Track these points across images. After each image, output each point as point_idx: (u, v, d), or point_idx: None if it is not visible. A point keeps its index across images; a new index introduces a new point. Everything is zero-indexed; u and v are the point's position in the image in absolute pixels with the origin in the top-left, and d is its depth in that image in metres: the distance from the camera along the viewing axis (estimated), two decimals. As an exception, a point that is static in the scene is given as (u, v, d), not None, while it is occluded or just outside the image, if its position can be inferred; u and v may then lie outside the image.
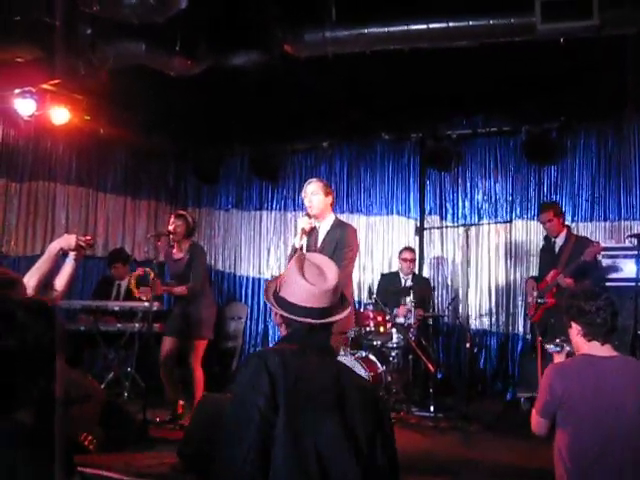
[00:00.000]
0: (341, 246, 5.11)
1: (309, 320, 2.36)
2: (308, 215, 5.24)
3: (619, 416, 3.04)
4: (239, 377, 2.28)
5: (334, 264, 2.53)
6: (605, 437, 3.04)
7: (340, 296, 2.45)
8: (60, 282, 4.36)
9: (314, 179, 5.46)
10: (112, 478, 4.65)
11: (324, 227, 5.28)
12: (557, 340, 3.55)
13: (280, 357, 2.21)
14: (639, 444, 3.04)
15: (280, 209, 9.97)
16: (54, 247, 4.28)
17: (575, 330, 3.26)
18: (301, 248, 5.25)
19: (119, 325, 7.60)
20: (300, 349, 2.32)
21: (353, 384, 2.31)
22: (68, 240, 4.30)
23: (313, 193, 5.22)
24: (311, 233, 5.24)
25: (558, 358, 3.51)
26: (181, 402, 6.60)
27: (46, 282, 4.27)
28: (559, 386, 3.15)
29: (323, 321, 2.38)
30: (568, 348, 3.45)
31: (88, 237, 4.41)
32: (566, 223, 7.03)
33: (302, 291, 2.38)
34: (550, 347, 3.55)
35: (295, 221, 9.74)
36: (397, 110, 8.40)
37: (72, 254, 4.36)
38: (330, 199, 5.31)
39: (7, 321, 1.68)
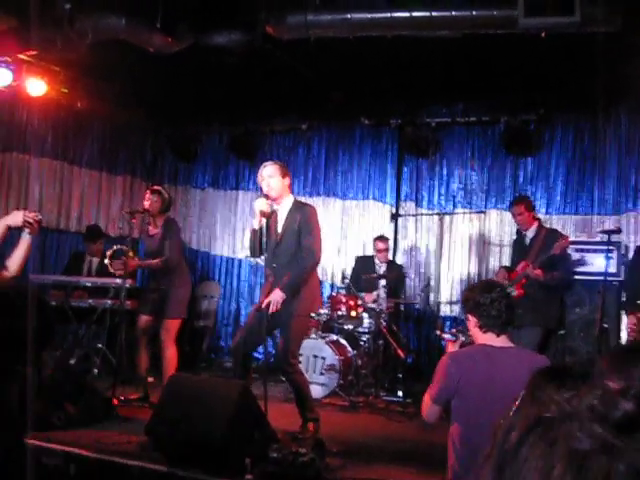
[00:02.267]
0: (306, 231, 5.17)
1: None
2: (266, 196, 5.19)
3: (510, 407, 3.10)
4: None
5: None
6: (491, 425, 3.08)
7: None
8: (15, 258, 4.37)
9: (269, 162, 5.43)
10: (80, 455, 4.66)
11: (283, 209, 5.28)
12: (453, 330, 3.65)
13: None
14: None
15: (257, 189, 9.88)
16: (1, 224, 4.29)
17: (472, 322, 3.36)
18: (260, 230, 5.19)
19: (90, 301, 7.56)
20: None
21: None
22: (15, 217, 4.31)
23: (270, 176, 5.19)
24: (270, 215, 5.22)
25: (451, 347, 3.61)
26: (151, 380, 6.61)
27: None
28: (455, 373, 3.23)
29: None
30: (463, 338, 3.56)
31: (36, 214, 4.38)
32: (537, 216, 7.10)
33: None
34: (446, 336, 3.65)
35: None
36: (377, 96, 8.41)
37: (26, 230, 4.36)
38: (287, 180, 5.31)
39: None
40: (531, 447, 0.78)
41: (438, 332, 7.86)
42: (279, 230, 5.24)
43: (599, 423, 0.74)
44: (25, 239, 4.35)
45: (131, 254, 6.35)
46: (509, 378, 3.13)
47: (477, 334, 3.35)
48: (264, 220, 5.15)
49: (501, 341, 3.31)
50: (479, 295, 3.32)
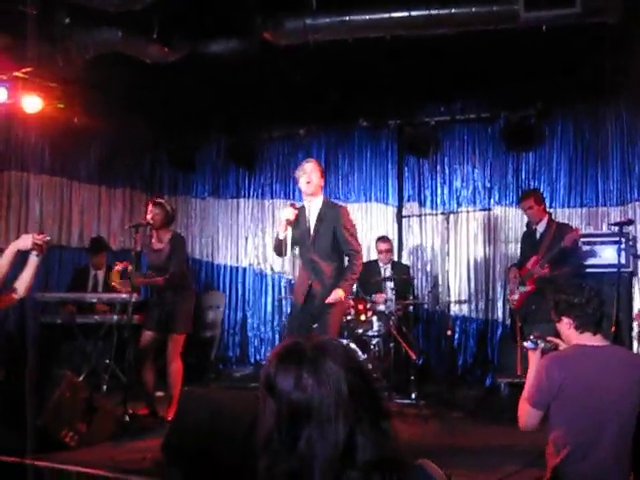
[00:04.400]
0: (348, 233, 5.52)
1: None
2: (292, 205, 5.50)
3: (614, 407, 3.09)
4: None
5: None
6: (600, 428, 3.07)
7: None
8: (22, 280, 4.39)
9: (311, 159, 5.82)
10: (95, 475, 4.60)
11: (315, 207, 5.56)
12: (532, 337, 3.58)
13: None
14: (623, 439, 3.09)
15: (257, 197, 9.89)
16: (11, 249, 4.34)
17: (566, 324, 3.29)
18: (285, 239, 5.38)
19: (97, 317, 7.50)
20: None
21: None
22: (25, 241, 4.34)
23: (312, 171, 5.51)
24: (300, 213, 5.53)
25: (533, 355, 3.51)
26: (160, 394, 6.54)
27: (5, 282, 4.35)
28: (557, 376, 3.16)
29: None
30: (542, 345, 3.48)
31: (44, 235, 4.39)
32: (547, 210, 7.05)
33: None
34: (526, 344, 3.57)
35: (273, 209, 9.71)
36: (375, 97, 8.36)
37: (34, 252, 4.37)
38: (322, 181, 5.63)
39: None
40: None
41: (449, 332, 7.82)
42: (311, 226, 5.51)
43: None
44: (33, 261, 4.36)
45: (130, 269, 6.27)
46: (611, 377, 3.13)
47: (572, 335, 3.29)
48: (289, 229, 5.41)
49: (598, 340, 3.26)
50: (573, 296, 3.26)
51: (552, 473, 3.18)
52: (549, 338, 3.47)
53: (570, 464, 3.10)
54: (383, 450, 1.49)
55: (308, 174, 5.48)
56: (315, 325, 5.58)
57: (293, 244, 5.60)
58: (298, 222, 5.50)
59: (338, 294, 5.33)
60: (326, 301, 5.32)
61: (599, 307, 3.25)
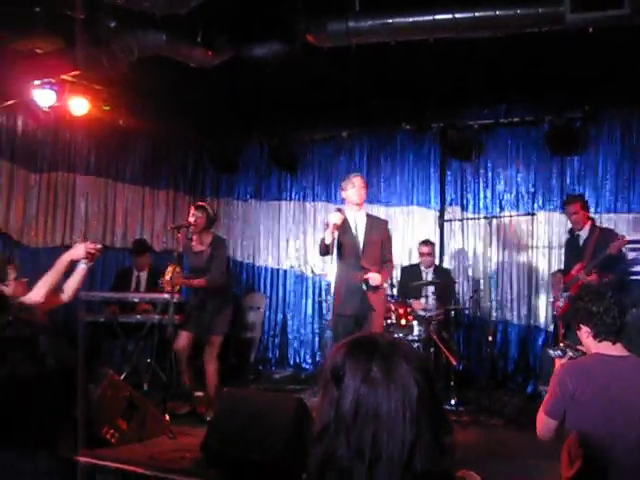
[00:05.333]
0: (389, 245, 6.15)
1: None
2: (339, 210, 5.78)
3: (629, 417, 3.01)
4: None
5: None
6: (614, 438, 3.00)
7: None
8: (70, 286, 4.45)
9: (358, 174, 6.37)
10: (135, 472, 4.65)
11: (360, 216, 6.01)
12: (561, 345, 3.53)
13: None
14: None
15: (299, 199, 9.91)
16: (65, 259, 4.38)
17: (585, 332, 3.26)
18: (332, 243, 5.56)
19: (139, 316, 7.59)
20: None
21: None
22: (77, 250, 4.39)
23: (362, 187, 6.01)
24: (345, 223, 5.84)
25: (559, 363, 3.46)
26: (199, 394, 6.60)
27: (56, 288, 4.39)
28: (570, 384, 3.12)
29: None
30: (570, 354, 3.43)
31: (97, 245, 4.43)
32: (591, 215, 6.93)
33: None
34: (553, 352, 3.52)
35: (314, 212, 9.72)
36: (418, 100, 8.32)
37: (84, 260, 4.42)
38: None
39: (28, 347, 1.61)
40: None
41: (490, 338, 7.73)
42: (360, 235, 5.91)
43: None
44: (82, 268, 4.41)
45: (178, 270, 6.33)
46: (628, 387, 3.07)
47: (591, 344, 3.25)
48: (336, 233, 5.67)
49: (617, 349, 3.21)
50: (591, 304, 3.23)
51: None
52: (579, 347, 3.41)
53: (586, 474, 3.02)
54: (439, 463, 1.45)
55: (358, 188, 5.96)
56: (360, 328, 5.67)
57: (333, 249, 5.84)
58: (343, 229, 5.80)
59: (377, 277, 5.77)
60: (367, 277, 5.72)
61: (619, 316, 3.19)
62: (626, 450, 2.99)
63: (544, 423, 3.24)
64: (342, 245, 5.81)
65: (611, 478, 3.00)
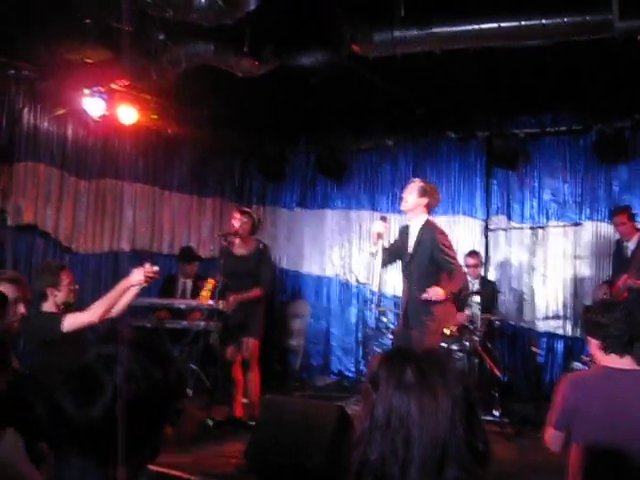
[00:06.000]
0: (438, 251, 5.50)
1: None
2: (383, 219, 5.71)
3: (634, 430, 2.96)
4: None
5: None
6: (619, 451, 2.94)
7: None
8: (121, 303, 4.47)
9: (417, 179, 5.91)
10: (180, 477, 4.70)
11: (415, 226, 5.68)
12: (583, 357, 3.48)
13: None
14: None
15: (344, 207, 9.92)
16: (124, 285, 4.41)
17: (594, 344, 3.21)
18: (376, 253, 5.54)
19: (184, 323, 7.68)
20: None
21: None
22: (137, 276, 4.37)
23: (409, 191, 5.64)
24: (403, 232, 5.75)
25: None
26: (244, 400, 6.65)
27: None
28: (573, 396, 3.10)
29: None
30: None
31: (155, 268, 4.45)
32: (639, 227, 6.81)
33: None
34: (576, 365, 3.48)
35: (359, 220, 9.73)
36: (463, 108, 8.28)
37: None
38: (425, 200, 5.63)
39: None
40: None
41: (534, 349, 7.63)
42: (410, 246, 5.62)
43: None
44: (133, 291, 4.44)
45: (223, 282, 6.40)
46: (632, 401, 3.02)
47: (599, 356, 3.21)
48: (380, 242, 5.55)
49: (625, 363, 3.13)
50: (599, 315, 3.19)
51: None
52: None
53: None
54: (472, 472, 1.47)
55: (405, 194, 5.64)
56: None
57: (395, 258, 5.75)
58: (401, 239, 5.70)
59: (437, 291, 5.34)
60: (423, 296, 5.33)
61: (628, 328, 3.11)
62: (630, 464, 2.94)
63: (550, 436, 3.23)
64: (399, 256, 5.71)
65: None
